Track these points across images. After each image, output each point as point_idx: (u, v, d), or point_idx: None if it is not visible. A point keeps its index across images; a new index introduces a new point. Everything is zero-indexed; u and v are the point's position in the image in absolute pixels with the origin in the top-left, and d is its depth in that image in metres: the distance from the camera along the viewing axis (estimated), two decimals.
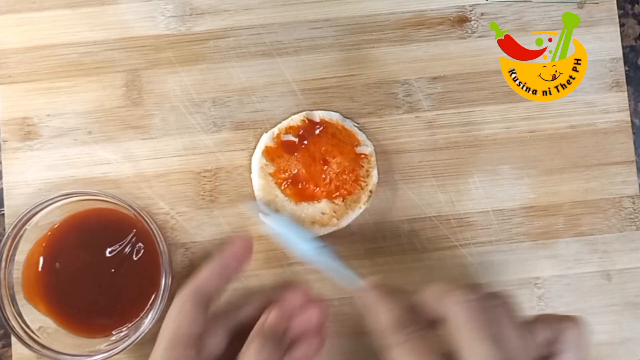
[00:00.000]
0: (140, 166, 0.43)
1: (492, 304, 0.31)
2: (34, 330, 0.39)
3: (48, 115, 0.44)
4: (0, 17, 0.44)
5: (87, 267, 0.40)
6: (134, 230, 0.40)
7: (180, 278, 0.43)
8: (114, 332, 0.40)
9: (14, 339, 0.42)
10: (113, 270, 0.40)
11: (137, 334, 0.38)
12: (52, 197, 0.39)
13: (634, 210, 0.44)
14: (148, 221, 0.39)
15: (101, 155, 0.43)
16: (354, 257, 0.43)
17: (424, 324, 0.32)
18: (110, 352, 0.38)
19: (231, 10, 0.44)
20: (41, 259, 0.40)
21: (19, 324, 0.39)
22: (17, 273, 0.40)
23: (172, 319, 0.36)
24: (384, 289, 0.35)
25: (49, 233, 0.40)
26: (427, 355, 0.31)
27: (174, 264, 0.43)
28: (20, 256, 0.40)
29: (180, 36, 0.44)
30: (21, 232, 0.39)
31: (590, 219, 0.43)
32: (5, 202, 0.43)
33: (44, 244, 0.40)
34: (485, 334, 0.29)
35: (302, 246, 0.40)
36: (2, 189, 0.44)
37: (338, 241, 0.43)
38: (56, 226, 0.40)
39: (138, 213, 0.39)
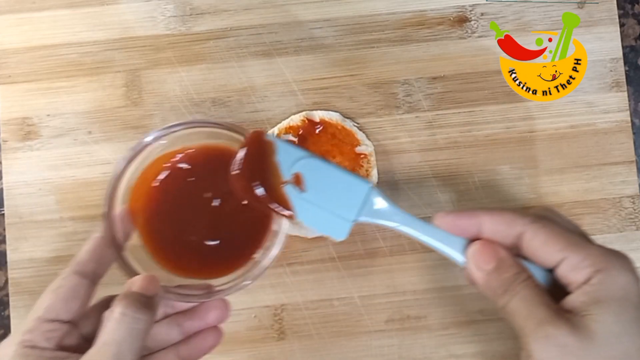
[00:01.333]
0: None
1: None
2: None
3: (48, 115, 0.44)
4: (0, 17, 0.44)
5: (202, 202, 0.36)
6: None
7: None
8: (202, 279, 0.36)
9: None
10: (225, 218, 0.36)
11: (256, 273, 0.35)
12: (206, 121, 0.36)
13: (634, 210, 0.44)
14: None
15: (101, 155, 0.43)
16: (354, 257, 0.43)
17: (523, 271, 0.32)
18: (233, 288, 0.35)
19: (231, 10, 0.44)
20: (161, 174, 0.36)
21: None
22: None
23: (52, 291, 0.33)
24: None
25: (182, 153, 0.36)
26: (536, 298, 0.31)
27: None
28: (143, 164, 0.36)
29: (180, 36, 0.44)
30: (155, 144, 0.35)
31: (590, 219, 0.43)
32: (5, 202, 0.43)
33: (170, 161, 0.36)
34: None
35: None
36: (2, 189, 0.44)
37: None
38: (192, 150, 0.36)
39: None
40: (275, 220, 0.35)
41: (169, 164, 0.36)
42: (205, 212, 0.36)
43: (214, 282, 0.36)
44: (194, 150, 0.37)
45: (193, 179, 0.36)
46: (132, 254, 0.35)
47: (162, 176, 0.36)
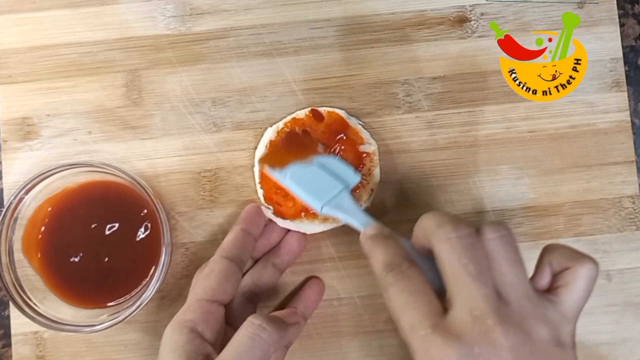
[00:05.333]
0: (140, 166, 0.43)
1: (483, 239, 0.31)
2: (32, 299, 0.39)
3: (48, 115, 0.44)
4: (0, 17, 0.44)
5: (89, 236, 0.40)
6: (145, 210, 0.41)
7: (180, 278, 0.43)
8: (109, 304, 0.41)
9: (14, 339, 0.42)
10: (113, 244, 0.40)
11: (138, 303, 0.38)
12: (72, 163, 0.40)
13: (634, 210, 0.44)
14: (149, 192, 0.39)
15: (101, 155, 0.43)
16: (354, 257, 0.43)
17: (414, 263, 0.32)
18: (112, 321, 0.38)
19: (231, 10, 0.44)
20: (47, 216, 0.41)
21: (17, 292, 0.39)
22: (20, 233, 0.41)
23: (205, 275, 0.37)
24: (382, 234, 0.35)
25: (62, 193, 0.41)
26: (414, 294, 0.31)
27: (173, 263, 0.43)
28: (27, 212, 0.40)
29: (180, 36, 0.44)
30: (32, 190, 0.40)
31: (590, 219, 0.43)
32: (5, 202, 0.43)
33: (53, 203, 0.41)
34: (469, 271, 0.29)
35: (314, 203, 0.39)
36: (2, 189, 0.44)
37: (338, 240, 0.43)
38: (70, 188, 0.41)
39: (136, 181, 0.39)
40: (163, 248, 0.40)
41: (54, 206, 0.41)
42: (93, 242, 0.40)
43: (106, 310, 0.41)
44: (76, 187, 0.41)
45: (78, 213, 0.41)
46: (29, 284, 0.40)
47: (49, 218, 0.41)
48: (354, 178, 0.40)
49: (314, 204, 0.39)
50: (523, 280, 0.31)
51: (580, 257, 0.32)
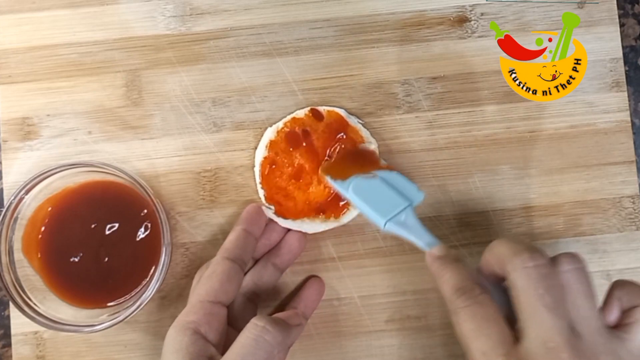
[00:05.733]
0: (140, 166, 0.43)
1: (558, 270, 0.31)
2: (32, 299, 0.39)
3: (48, 115, 0.44)
4: (0, 17, 0.44)
5: (89, 236, 0.40)
6: (145, 210, 0.41)
7: (181, 278, 0.43)
8: (109, 304, 0.41)
9: (14, 339, 0.42)
10: (113, 244, 0.40)
11: (138, 303, 0.38)
12: (72, 163, 0.40)
13: (634, 210, 0.44)
14: (149, 192, 0.39)
15: (101, 155, 0.43)
16: (354, 257, 0.43)
17: (485, 288, 0.32)
18: (112, 321, 0.38)
19: (231, 10, 0.44)
20: (47, 216, 0.41)
21: (17, 292, 0.39)
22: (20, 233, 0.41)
23: (208, 276, 0.37)
24: (450, 256, 0.35)
25: (62, 193, 0.41)
26: (486, 320, 0.31)
27: (173, 263, 0.43)
28: (27, 212, 0.40)
29: (180, 36, 0.44)
30: (32, 190, 0.40)
31: (590, 219, 0.43)
32: (5, 202, 0.43)
33: (53, 203, 0.41)
34: (545, 302, 0.29)
35: (377, 219, 0.38)
36: (2, 189, 0.44)
37: (338, 240, 0.43)
38: (70, 188, 0.41)
39: (136, 181, 0.39)
40: (162, 248, 0.40)
41: (54, 206, 0.41)
42: (93, 242, 0.40)
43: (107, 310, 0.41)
44: (76, 187, 0.41)
45: (78, 213, 0.41)
46: (29, 284, 0.40)
47: (49, 218, 0.41)
48: (418, 195, 0.39)
49: (377, 220, 0.38)
50: (596, 315, 0.30)
51: None
